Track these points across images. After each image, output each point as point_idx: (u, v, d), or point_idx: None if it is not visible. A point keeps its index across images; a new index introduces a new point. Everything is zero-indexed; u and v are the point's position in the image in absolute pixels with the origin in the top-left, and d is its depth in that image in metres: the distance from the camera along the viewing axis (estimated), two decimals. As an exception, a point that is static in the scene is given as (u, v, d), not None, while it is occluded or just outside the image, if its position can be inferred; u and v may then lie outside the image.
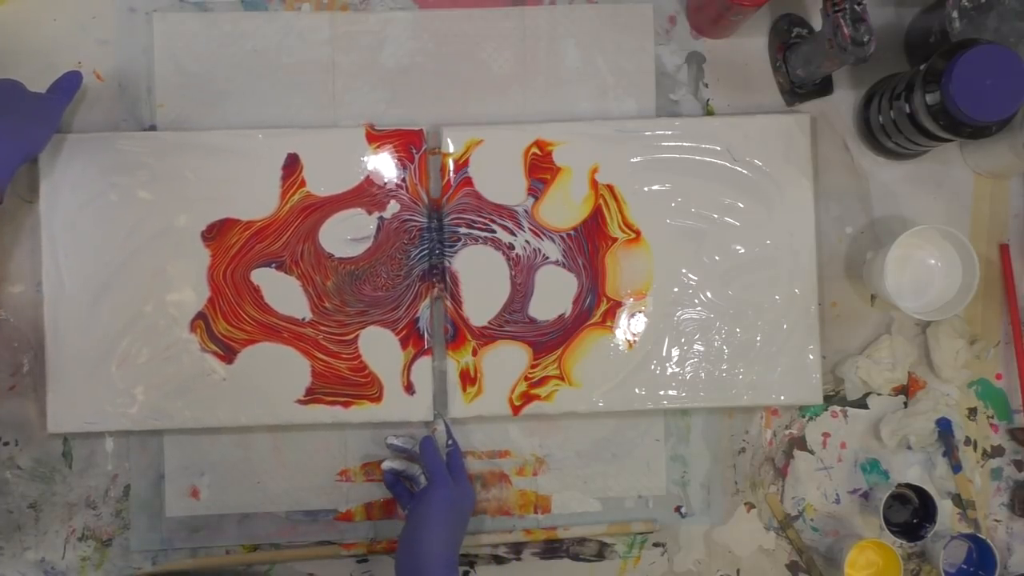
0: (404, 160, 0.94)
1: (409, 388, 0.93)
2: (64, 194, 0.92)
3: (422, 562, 0.82)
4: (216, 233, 0.93)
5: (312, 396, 0.93)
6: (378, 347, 0.93)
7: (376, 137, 0.94)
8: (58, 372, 0.92)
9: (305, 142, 0.94)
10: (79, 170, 0.92)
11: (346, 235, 0.94)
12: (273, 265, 0.93)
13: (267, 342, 0.93)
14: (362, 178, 0.94)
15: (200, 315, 0.93)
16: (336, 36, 0.97)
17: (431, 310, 0.94)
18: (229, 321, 0.93)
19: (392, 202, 0.94)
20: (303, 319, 0.93)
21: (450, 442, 0.94)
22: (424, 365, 0.93)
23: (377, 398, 0.93)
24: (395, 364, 0.93)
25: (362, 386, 0.93)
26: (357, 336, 0.93)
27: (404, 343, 0.93)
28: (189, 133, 0.94)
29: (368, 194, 0.94)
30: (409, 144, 0.94)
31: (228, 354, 0.93)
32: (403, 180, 0.94)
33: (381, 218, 0.94)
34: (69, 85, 0.92)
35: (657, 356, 0.94)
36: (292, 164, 0.93)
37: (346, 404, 0.93)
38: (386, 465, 0.91)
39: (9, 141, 0.84)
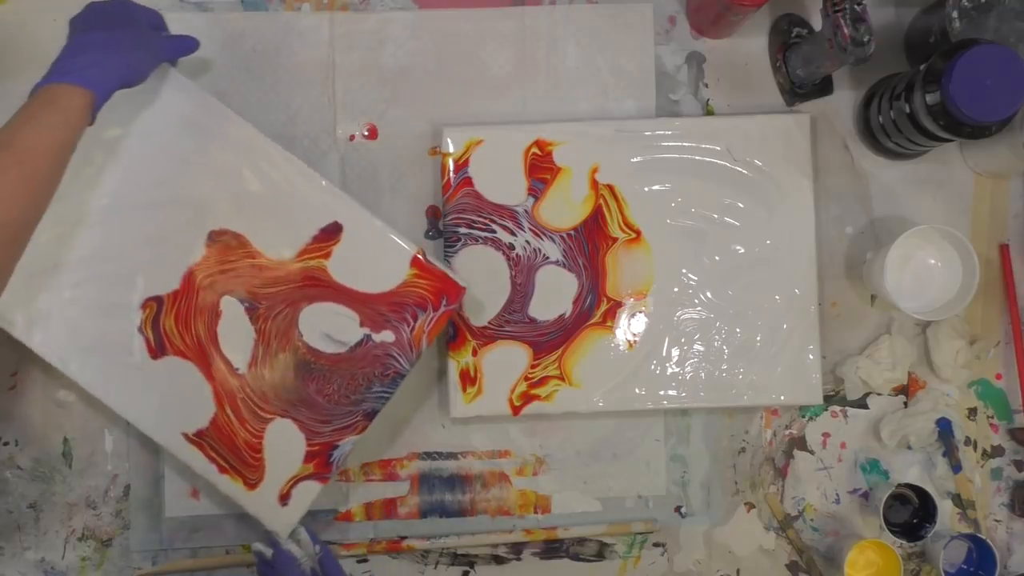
0: (429, 303, 0.88)
1: (285, 499, 0.88)
2: (137, 113, 0.88)
3: None
4: (222, 242, 0.89)
5: (200, 439, 0.88)
6: (284, 443, 0.88)
7: (420, 264, 0.88)
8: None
9: (356, 219, 0.88)
10: (163, 105, 0.88)
11: (326, 328, 0.88)
12: (246, 304, 0.88)
13: (194, 365, 0.88)
14: (380, 289, 0.89)
15: (157, 299, 0.88)
16: (336, 36, 0.97)
17: (353, 447, 0.89)
18: (177, 322, 0.88)
19: (388, 331, 0.88)
20: (237, 369, 0.88)
21: (318, 548, 0.87)
22: (312, 490, 0.89)
23: (252, 485, 0.88)
24: (288, 469, 0.88)
25: (247, 465, 0.88)
26: (273, 420, 0.88)
27: (309, 457, 0.88)
28: (267, 140, 0.89)
29: (373, 307, 0.88)
30: (443, 293, 0.88)
31: (158, 350, 0.88)
32: (413, 320, 0.89)
33: (368, 336, 0.89)
34: (184, 42, 0.89)
35: (657, 356, 0.94)
36: (332, 232, 0.88)
37: (222, 469, 0.88)
38: (256, 547, 0.86)
39: (112, 56, 0.78)
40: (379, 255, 0.89)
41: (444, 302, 0.88)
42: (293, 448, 0.89)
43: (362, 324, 0.88)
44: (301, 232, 0.89)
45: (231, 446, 0.89)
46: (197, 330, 0.89)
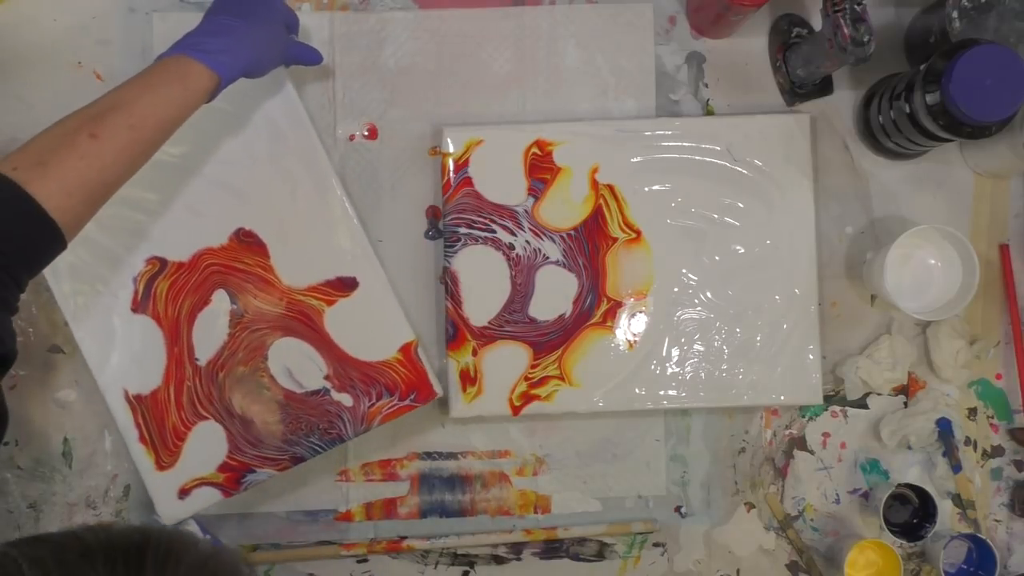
0: (398, 390, 0.90)
1: (185, 493, 0.90)
2: (236, 94, 0.85)
3: None
4: (245, 243, 0.91)
5: (137, 404, 0.90)
6: (207, 445, 0.90)
7: (408, 353, 0.90)
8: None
9: (374, 285, 0.91)
10: (263, 101, 0.90)
11: (291, 364, 0.90)
12: (234, 306, 0.91)
13: (163, 336, 0.90)
14: (361, 357, 0.90)
15: (162, 261, 0.90)
16: (336, 36, 0.96)
17: (267, 480, 0.90)
18: (170, 290, 0.90)
19: (349, 396, 0.90)
20: (197, 359, 0.90)
21: (208, 538, 0.86)
22: (212, 496, 0.90)
23: (162, 467, 0.90)
24: (200, 469, 0.90)
25: (165, 447, 0.90)
26: (208, 419, 0.90)
27: (224, 468, 0.90)
28: (335, 177, 0.91)
29: (346, 368, 0.90)
30: (415, 389, 0.90)
31: (140, 306, 0.90)
32: (377, 398, 0.90)
33: (327, 390, 0.90)
34: (310, 53, 0.90)
35: (657, 356, 0.94)
36: (347, 285, 0.91)
37: (143, 439, 0.90)
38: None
39: (245, 47, 0.79)
40: (377, 326, 0.91)
41: (412, 397, 0.90)
42: (213, 453, 0.90)
43: (327, 377, 0.90)
44: (319, 271, 0.91)
45: (159, 423, 0.90)
46: (182, 306, 0.91)
